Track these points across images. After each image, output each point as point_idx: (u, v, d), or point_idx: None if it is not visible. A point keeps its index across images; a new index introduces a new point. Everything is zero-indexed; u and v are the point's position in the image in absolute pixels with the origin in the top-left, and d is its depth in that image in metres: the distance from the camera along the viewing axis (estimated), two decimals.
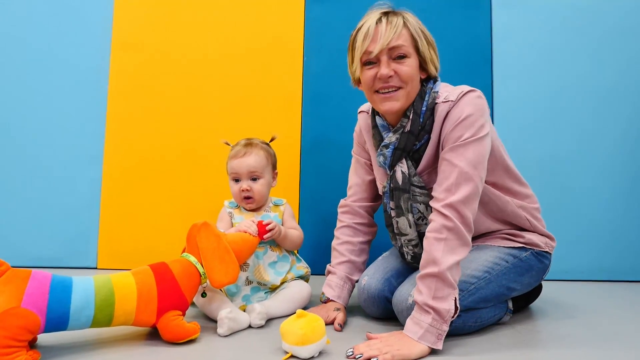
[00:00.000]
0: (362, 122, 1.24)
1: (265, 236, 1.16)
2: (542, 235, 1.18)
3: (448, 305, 0.92)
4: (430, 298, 0.92)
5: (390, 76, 1.02)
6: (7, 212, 1.72)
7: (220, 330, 1.00)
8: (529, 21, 1.75)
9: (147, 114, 1.75)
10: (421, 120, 1.04)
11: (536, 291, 1.27)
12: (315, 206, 1.72)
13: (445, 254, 0.93)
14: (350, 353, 0.89)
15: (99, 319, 0.89)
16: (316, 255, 1.66)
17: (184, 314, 0.98)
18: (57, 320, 0.85)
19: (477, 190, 0.98)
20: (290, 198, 1.67)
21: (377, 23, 1.02)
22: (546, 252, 1.17)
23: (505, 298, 1.12)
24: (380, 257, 1.24)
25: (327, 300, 1.18)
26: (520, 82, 1.74)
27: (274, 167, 1.31)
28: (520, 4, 1.75)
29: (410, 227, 1.08)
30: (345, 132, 1.72)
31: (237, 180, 1.25)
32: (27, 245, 1.70)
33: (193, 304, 1.22)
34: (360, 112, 1.26)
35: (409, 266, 1.17)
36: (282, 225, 1.26)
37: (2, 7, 1.76)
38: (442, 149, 1.02)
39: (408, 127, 1.05)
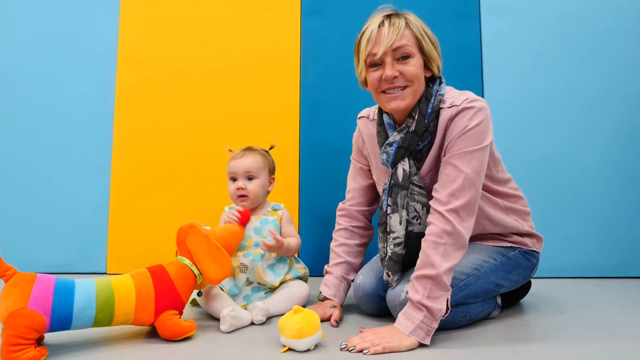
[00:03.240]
0: (362, 127, 1.27)
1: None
2: (530, 236, 1.22)
3: (440, 305, 0.97)
4: (424, 297, 0.96)
5: (395, 77, 1.05)
6: (20, 222, 1.78)
7: (222, 327, 1.06)
8: (518, 28, 1.81)
9: (152, 124, 1.82)
10: (426, 121, 1.07)
11: (525, 288, 1.31)
12: (315, 210, 1.78)
13: (443, 258, 0.97)
14: (344, 346, 0.95)
15: (100, 318, 0.94)
16: (315, 258, 1.71)
17: (180, 313, 1.04)
18: (61, 320, 0.90)
19: (478, 196, 1.03)
20: (290, 202, 1.74)
21: (379, 26, 1.05)
22: (534, 251, 1.22)
23: (493, 294, 1.16)
24: (375, 257, 1.29)
25: (324, 299, 1.24)
26: (510, 87, 1.80)
27: (272, 172, 1.38)
28: (509, 12, 1.81)
29: (400, 224, 1.09)
30: (342, 137, 1.79)
31: (234, 180, 1.32)
32: (40, 252, 1.77)
33: (197, 304, 1.29)
34: (360, 117, 1.29)
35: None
36: (280, 229, 1.32)
37: (13, 23, 1.84)
38: (445, 154, 1.05)
39: (413, 127, 1.07)
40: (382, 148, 1.12)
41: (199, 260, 1.08)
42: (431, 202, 1.04)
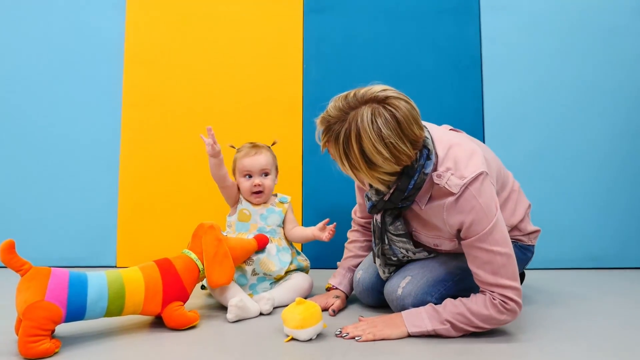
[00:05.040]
0: None
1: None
2: (527, 234, 1.24)
3: (457, 335, 1.00)
4: (457, 326, 0.98)
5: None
6: (32, 217, 1.83)
7: (228, 316, 1.11)
8: (517, 25, 1.83)
9: (159, 122, 1.86)
10: (406, 194, 1.01)
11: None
12: (318, 205, 1.82)
13: (500, 321, 0.98)
14: (339, 332, 1.01)
15: (111, 309, 0.99)
16: (318, 251, 1.75)
17: (184, 304, 1.09)
18: (76, 312, 0.94)
19: (514, 256, 0.99)
20: (293, 197, 1.76)
21: (318, 123, 0.99)
22: (528, 244, 1.25)
23: None
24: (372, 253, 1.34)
25: (330, 288, 1.29)
26: (509, 84, 1.82)
27: (277, 168, 1.43)
28: (508, 8, 1.83)
29: (379, 266, 1.17)
30: None
31: (249, 177, 1.36)
32: (52, 247, 1.82)
33: (209, 294, 1.34)
34: None
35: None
36: (284, 221, 1.38)
37: (20, 23, 1.87)
38: (463, 237, 1.00)
39: (387, 197, 1.05)
40: (364, 195, 1.15)
41: (207, 261, 1.13)
42: (479, 283, 1.01)
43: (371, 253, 1.32)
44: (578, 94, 1.82)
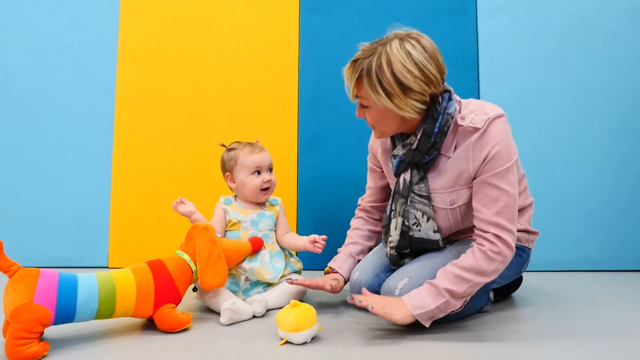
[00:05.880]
0: None
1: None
2: (526, 232, 1.25)
3: (459, 304, 1.01)
4: (456, 292, 1.00)
5: (364, 117, 1.11)
6: (23, 218, 1.81)
7: (222, 320, 1.09)
8: (514, 26, 1.83)
9: (152, 121, 1.84)
10: (432, 139, 1.06)
11: (517, 282, 1.35)
12: (313, 206, 1.81)
13: (496, 270, 1.02)
14: (350, 298, 1.02)
15: (102, 311, 0.98)
16: (313, 253, 1.74)
17: (177, 306, 1.08)
18: (66, 314, 0.93)
19: (517, 206, 1.05)
20: (288, 197, 1.77)
21: (346, 70, 1.08)
22: (525, 246, 1.25)
23: (485, 289, 1.19)
24: (370, 253, 1.32)
25: (330, 271, 1.28)
26: (506, 85, 1.82)
27: None
28: (505, 10, 1.83)
29: (395, 229, 1.15)
30: (339, 134, 1.82)
31: (258, 173, 1.32)
32: (43, 247, 1.79)
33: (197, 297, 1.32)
34: None
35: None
36: (276, 224, 1.35)
37: (12, 22, 1.85)
38: (479, 175, 1.05)
39: (415, 145, 1.08)
40: (390, 156, 1.16)
41: (201, 263, 1.11)
42: (477, 222, 1.05)
43: (367, 256, 1.31)
44: (575, 95, 1.82)
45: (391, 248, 1.17)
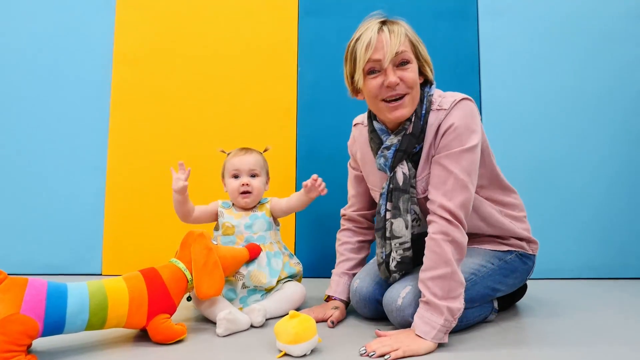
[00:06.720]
0: (357, 134, 1.27)
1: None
2: (526, 240, 1.22)
3: (460, 304, 0.98)
4: (444, 299, 0.97)
5: (398, 84, 1.04)
6: (15, 222, 1.77)
7: (218, 331, 1.05)
8: (515, 30, 1.81)
9: (148, 125, 1.81)
10: (421, 122, 1.07)
11: (521, 291, 1.32)
12: (312, 210, 1.76)
13: (454, 254, 0.99)
14: (364, 351, 0.95)
15: (93, 322, 0.94)
16: (313, 258, 1.72)
17: (171, 317, 1.04)
18: (54, 325, 0.89)
19: (471, 196, 1.03)
20: None
21: (378, 32, 1.04)
22: (530, 254, 1.22)
23: (490, 298, 1.16)
24: (371, 261, 1.29)
25: (328, 299, 1.24)
26: (507, 89, 1.80)
27: (268, 173, 1.39)
28: (506, 13, 1.81)
29: (406, 228, 1.09)
30: (338, 138, 1.78)
31: (236, 177, 1.31)
32: (36, 253, 1.76)
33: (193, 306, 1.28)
34: (355, 124, 1.29)
35: (385, 278, 1.15)
36: (277, 208, 1.34)
37: (6, 23, 1.82)
38: (435, 154, 1.06)
39: (410, 130, 1.07)
40: (379, 152, 1.12)
41: (197, 271, 1.08)
42: (429, 204, 1.04)
43: (369, 263, 1.29)
44: (578, 100, 1.79)
45: (405, 250, 1.10)
